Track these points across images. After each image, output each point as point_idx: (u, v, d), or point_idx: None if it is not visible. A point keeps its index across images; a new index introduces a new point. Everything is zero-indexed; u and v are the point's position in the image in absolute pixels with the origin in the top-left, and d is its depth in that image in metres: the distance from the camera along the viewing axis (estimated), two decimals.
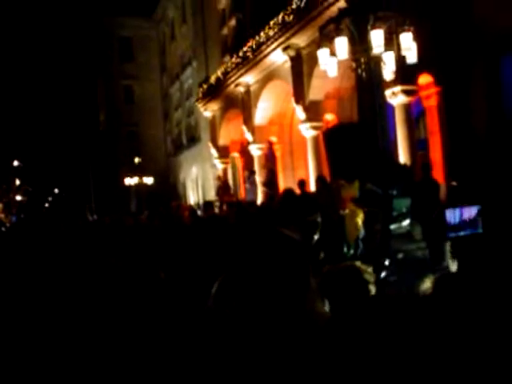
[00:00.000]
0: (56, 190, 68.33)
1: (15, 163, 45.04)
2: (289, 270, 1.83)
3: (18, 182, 45.53)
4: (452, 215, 4.38)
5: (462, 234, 4.31)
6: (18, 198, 45.40)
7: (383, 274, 5.51)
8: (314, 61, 15.38)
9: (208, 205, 14.55)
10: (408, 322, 1.07)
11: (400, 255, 6.52)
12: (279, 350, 1.68)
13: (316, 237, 5.31)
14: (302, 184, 11.09)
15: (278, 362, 1.66)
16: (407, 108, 12.57)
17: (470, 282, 1.42)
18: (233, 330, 1.86)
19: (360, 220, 5.96)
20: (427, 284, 1.58)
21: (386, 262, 5.88)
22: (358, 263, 2.42)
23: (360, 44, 7.95)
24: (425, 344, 1.03)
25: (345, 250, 5.80)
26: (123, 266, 2.34)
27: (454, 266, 2.16)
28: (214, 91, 23.70)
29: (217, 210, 17.75)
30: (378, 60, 8.01)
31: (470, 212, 4.46)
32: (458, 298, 1.51)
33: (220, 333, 1.94)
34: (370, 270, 2.38)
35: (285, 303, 1.76)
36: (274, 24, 16.91)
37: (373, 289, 2.26)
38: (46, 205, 69.78)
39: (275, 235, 1.93)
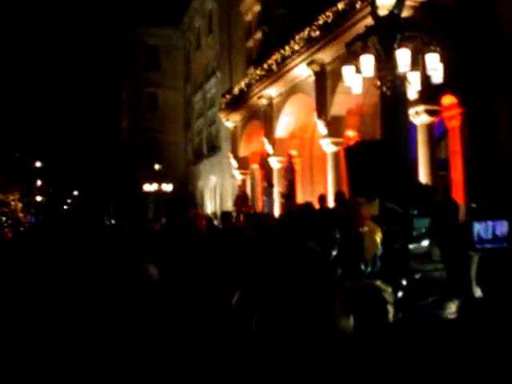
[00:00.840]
0: (75, 193, 69.05)
1: (37, 164, 45.64)
2: (318, 284, 1.85)
3: (39, 182, 46.08)
4: (481, 228, 4.38)
5: (488, 246, 4.31)
6: (38, 198, 45.92)
7: (400, 294, 5.48)
8: (337, 77, 15.42)
9: (226, 215, 14.56)
10: (431, 345, 1.08)
11: (417, 275, 6.48)
12: (304, 362, 1.69)
13: (334, 253, 5.29)
14: (322, 199, 11.10)
15: (301, 373, 1.67)
16: (430, 128, 12.53)
17: (496, 310, 1.43)
18: (255, 340, 1.87)
19: (379, 238, 5.93)
20: (451, 308, 1.58)
21: (404, 282, 5.85)
22: (379, 282, 2.41)
23: (386, 62, 7.97)
24: (446, 368, 1.05)
25: (362, 267, 5.77)
26: (143, 271, 2.38)
27: (478, 291, 2.16)
28: (237, 102, 23.84)
29: (233, 221, 17.76)
30: (403, 79, 8.02)
31: (500, 226, 4.47)
32: (484, 324, 1.52)
33: (241, 341, 1.96)
34: (389, 289, 2.38)
35: (313, 317, 1.78)
36: (300, 38, 17.00)
37: (391, 309, 2.26)
38: (65, 207, 70.50)
39: (304, 249, 1.95)
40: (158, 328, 1.93)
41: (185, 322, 2.15)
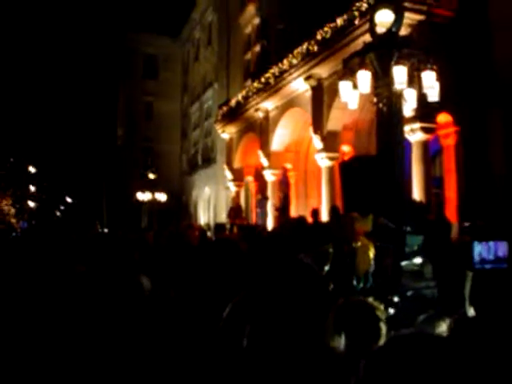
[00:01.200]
0: (69, 200, 68.78)
1: (31, 169, 45.50)
2: (309, 300, 1.83)
3: (32, 188, 45.90)
4: (483, 248, 4.37)
5: (488, 267, 4.31)
6: (31, 204, 45.72)
7: (392, 311, 5.47)
8: (334, 92, 15.52)
9: (220, 227, 14.54)
10: (423, 363, 1.07)
11: (409, 292, 6.46)
12: (293, 376, 1.68)
13: (326, 268, 5.29)
14: (315, 213, 11.10)
15: None
16: (425, 145, 12.60)
17: (489, 329, 1.43)
18: (245, 354, 1.86)
19: (372, 254, 5.94)
20: (441, 326, 1.57)
21: (395, 299, 5.84)
22: (371, 299, 2.41)
23: (383, 79, 8.00)
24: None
25: (354, 283, 5.76)
26: (134, 282, 2.36)
27: (470, 310, 2.15)
28: (234, 114, 23.92)
29: (227, 233, 17.75)
30: (399, 96, 8.05)
31: (501, 247, 4.48)
32: (476, 343, 1.51)
33: (231, 355, 1.94)
34: (381, 307, 2.37)
35: (304, 333, 1.76)
36: (298, 53, 17.12)
37: (384, 326, 2.25)
38: (58, 213, 70.19)
39: (298, 265, 1.94)
40: (148, 340, 1.91)
41: (176, 333, 2.13)
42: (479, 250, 4.81)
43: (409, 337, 1.13)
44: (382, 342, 2.22)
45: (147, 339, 1.90)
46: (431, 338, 1.12)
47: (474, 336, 1.55)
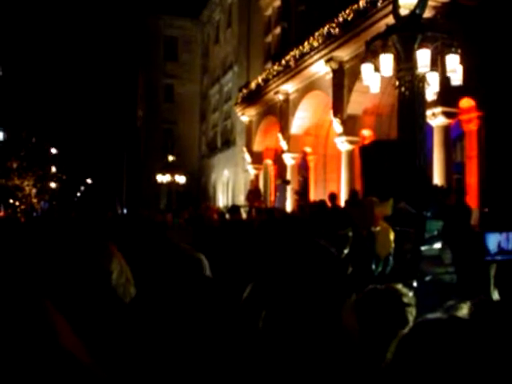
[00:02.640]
0: (89, 181, 69.49)
1: (53, 150, 45.98)
2: (327, 283, 1.85)
3: (53, 169, 46.41)
4: (495, 239, 4.34)
5: (499, 258, 4.27)
6: (52, 185, 46.26)
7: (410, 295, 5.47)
8: (355, 75, 15.37)
9: (234, 209, 14.57)
10: (454, 346, 1.08)
11: (428, 277, 6.46)
12: (308, 361, 1.70)
13: (346, 251, 5.30)
14: (333, 197, 11.06)
15: (305, 372, 1.68)
16: (446, 130, 12.45)
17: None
18: (264, 336, 1.89)
19: (392, 237, 5.94)
20: (463, 310, 1.57)
21: (414, 283, 5.84)
22: (400, 286, 2.41)
23: (405, 62, 7.90)
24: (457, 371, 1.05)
25: (373, 266, 5.77)
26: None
27: (495, 294, 2.15)
28: (253, 97, 23.84)
29: (245, 215, 17.81)
30: (422, 79, 7.95)
31: None
32: (497, 325, 1.51)
33: (250, 337, 1.97)
34: (409, 293, 2.38)
35: (320, 315, 1.78)
36: (319, 35, 16.95)
37: (413, 311, 2.26)
38: (78, 194, 70.99)
39: (316, 248, 1.96)
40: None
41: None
42: (497, 239, 4.74)
43: (438, 321, 1.14)
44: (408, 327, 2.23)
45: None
46: (460, 322, 1.13)
47: (497, 319, 1.55)
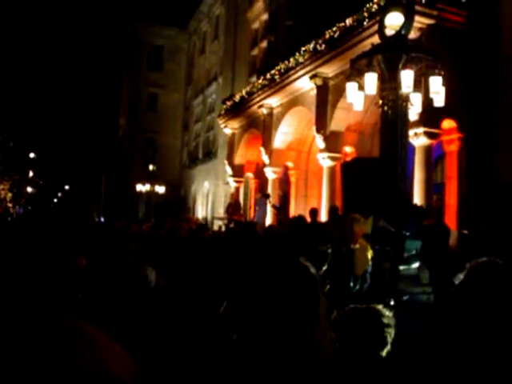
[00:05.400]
0: (66, 187, 68.72)
1: (31, 155, 45.39)
2: (302, 303, 1.79)
3: (31, 173, 45.80)
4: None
5: None
6: (29, 189, 45.63)
7: (390, 316, 5.42)
8: (339, 92, 15.46)
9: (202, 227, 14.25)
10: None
11: (405, 297, 6.43)
12: (280, 378, 1.64)
13: (324, 268, 5.25)
14: (314, 213, 11.04)
15: None
16: (428, 150, 12.54)
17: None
18: (238, 351, 1.82)
19: (370, 255, 5.91)
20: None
21: (392, 302, 5.79)
22: (380, 306, 2.41)
23: (389, 82, 7.95)
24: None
25: (351, 284, 5.72)
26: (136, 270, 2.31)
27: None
28: (237, 109, 23.84)
29: (223, 228, 17.73)
30: (405, 100, 8.00)
31: None
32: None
33: (223, 349, 1.91)
34: (389, 313, 2.36)
35: (293, 334, 1.73)
36: (305, 51, 17.04)
37: (392, 332, 2.24)
38: (55, 200, 70.10)
39: (294, 267, 1.90)
40: (152, 330, 1.87)
41: (176, 324, 2.09)
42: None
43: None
44: (386, 349, 2.20)
45: (152, 330, 1.85)
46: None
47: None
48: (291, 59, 17.97)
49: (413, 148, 12.15)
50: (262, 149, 21.28)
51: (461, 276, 1.90)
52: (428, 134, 12.22)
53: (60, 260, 1.82)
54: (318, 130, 16.81)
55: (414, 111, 9.03)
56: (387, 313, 2.34)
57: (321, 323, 2.08)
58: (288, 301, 1.82)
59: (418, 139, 12.23)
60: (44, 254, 1.84)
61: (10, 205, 40.87)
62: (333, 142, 16.43)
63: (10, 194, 40.47)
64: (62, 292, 1.73)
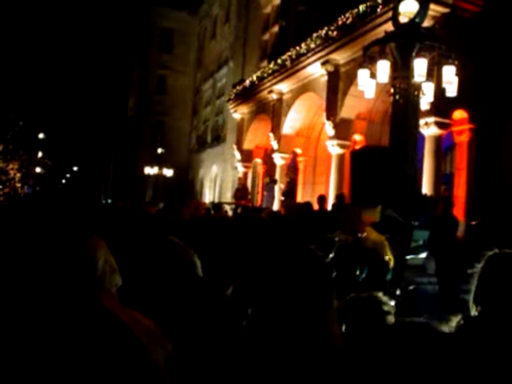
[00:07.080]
0: (75, 168, 68.89)
1: (40, 135, 45.45)
2: (312, 288, 1.80)
3: (40, 154, 45.89)
4: None
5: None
6: (38, 170, 45.74)
7: (393, 303, 5.45)
8: (350, 79, 15.36)
9: (216, 207, 14.48)
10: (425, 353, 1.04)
11: (411, 287, 6.45)
12: (289, 365, 1.65)
13: (331, 255, 5.27)
14: (322, 200, 11.03)
15: (286, 378, 1.63)
16: (438, 140, 12.46)
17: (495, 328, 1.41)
18: (245, 338, 1.83)
19: (389, 251, 5.95)
20: (451, 324, 1.56)
21: (397, 292, 5.82)
22: (380, 294, 2.44)
23: (402, 70, 7.89)
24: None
25: (357, 272, 5.74)
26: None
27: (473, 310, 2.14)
28: (247, 94, 23.75)
29: (230, 213, 17.77)
30: (417, 88, 7.95)
31: None
32: (482, 340, 1.48)
33: (229, 338, 1.92)
34: (390, 302, 2.39)
35: (303, 320, 1.74)
36: (317, 37, 16.90)
37: (392, 319, 2.28)
38: (63, 181, 70.36)
39: (304, 251, 1.90)
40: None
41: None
42: None
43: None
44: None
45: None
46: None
47: (481, 334, 1.55)
48: (302, 45, 17.84)
49: (423, 137, 12.09)
50: (270, 134, 21.23)
51: (479, 266, 1.93)
52: (438, 124, 12.14)
53: (81, 242, 1.83)
54: (327, 117, 16.73)
55: (425, 100, 8.98)
56: (387, 300, 2.39)
57: (333, 309, 2.10)
58: (300, 283, 1.83)
59: (428, 129, 12.15)
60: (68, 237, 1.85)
61: (18, 185, 41.03)
62: (342, 130, 16.35)
63: (18, 174, 40.61)
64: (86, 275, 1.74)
